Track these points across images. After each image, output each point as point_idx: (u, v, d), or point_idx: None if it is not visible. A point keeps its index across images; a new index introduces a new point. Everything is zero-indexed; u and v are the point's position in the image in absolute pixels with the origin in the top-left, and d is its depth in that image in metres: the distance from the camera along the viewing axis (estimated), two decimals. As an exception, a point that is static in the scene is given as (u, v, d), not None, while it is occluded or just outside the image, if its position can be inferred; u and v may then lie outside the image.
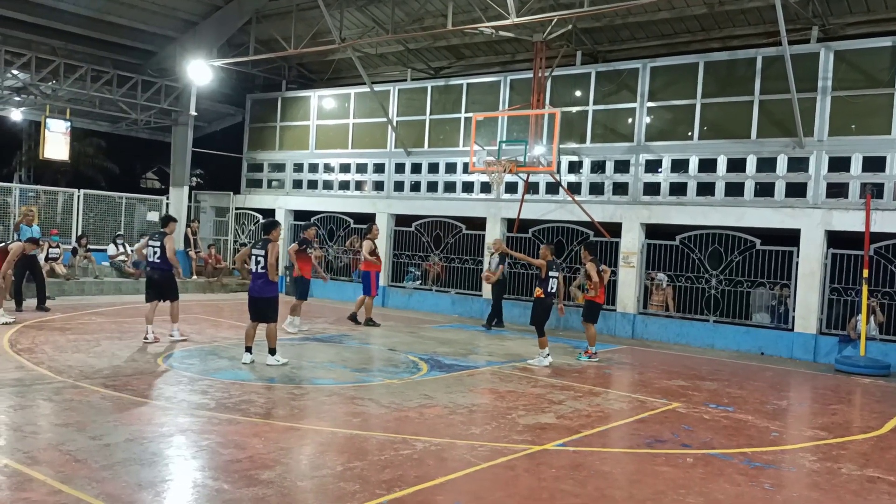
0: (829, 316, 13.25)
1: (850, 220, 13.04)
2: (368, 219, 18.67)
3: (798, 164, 13.71)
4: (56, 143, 18.70)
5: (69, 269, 16.92)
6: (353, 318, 14.51)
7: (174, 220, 11.46)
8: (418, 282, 18.49)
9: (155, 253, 11.04)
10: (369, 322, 14.27)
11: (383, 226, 18.41)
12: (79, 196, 18.86)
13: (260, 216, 21.26)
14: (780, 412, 9.02)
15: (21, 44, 18.01)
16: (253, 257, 9.62)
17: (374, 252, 14.38)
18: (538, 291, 11.08)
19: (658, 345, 14.17)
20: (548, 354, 10.97)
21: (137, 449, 5.87)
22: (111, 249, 18.38)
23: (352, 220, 19.21)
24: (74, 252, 17.37)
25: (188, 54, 18.69)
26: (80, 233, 18.28)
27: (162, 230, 11.23)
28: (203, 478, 5.38)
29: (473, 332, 14.48)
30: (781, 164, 13.84)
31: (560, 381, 9.87)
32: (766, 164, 14.00)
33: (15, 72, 18.08)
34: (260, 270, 9.52)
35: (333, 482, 5.37)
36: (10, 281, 14.28)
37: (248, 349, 9.67)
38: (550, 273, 11.02)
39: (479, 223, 17.19)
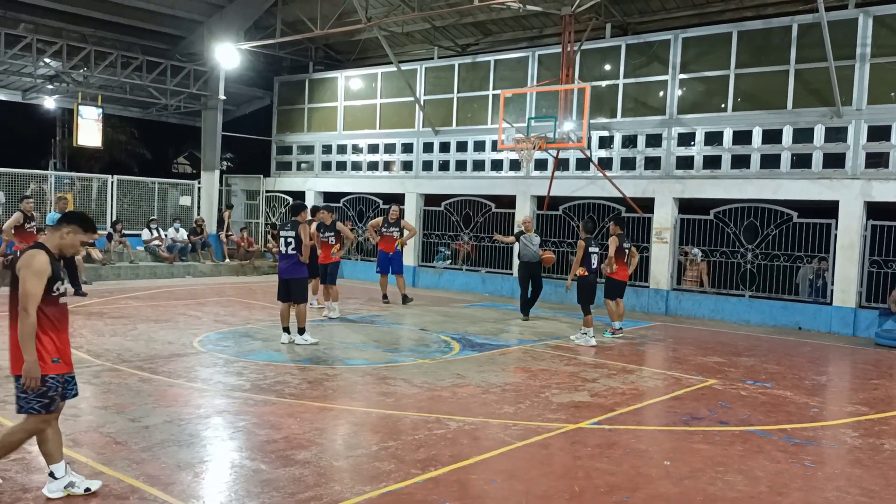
0: (869, 289, 12.96)
1: (890, 190, 12.69)
2: (398, 199, 18.68)
3: (836, 134, 13.35)
4: (89, 130, 18.97)
5: (105, 254, 17.19)
6: (404, 300, 14.40)
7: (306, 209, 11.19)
8: (448, 261, 18.47)
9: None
10: (384, 298, 14.56)
11: (412, 206, 18.42)
12: (112, 182, 19.13)
13: (290, 198, 21.36)
14: (820, 388, 8.86)
15: (52, 32, 18.23)
16: (282, 239, 9.72)
17: (377, 229, 14.59)
18: (581, 270, 11.00)
19: (692, 321, 14.00)
20: (594, 335, 10.95)
21: (175, 430, 5.95)
22: (145, 234, 18.63)
23: (381, 201, 19.21)
24: (109, 237, 17.64)
25: (216, 38, 18.76)
26: (114, 218, 18.55)
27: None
28: (241, 458, 5.43)
29: (504, 310, 14.44)
30: (819, 134, 13.50)
31: (593, 358, 9.81)
32: (803, 135, 13.66)
33: (47, 60, 18.32)
34: (290, 251, 9.60)
35: (369, 462, 5.40)
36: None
37: (286, 329, 9.85)
38: (590, 249, 10.97)
39: (508, 201, 17.07)
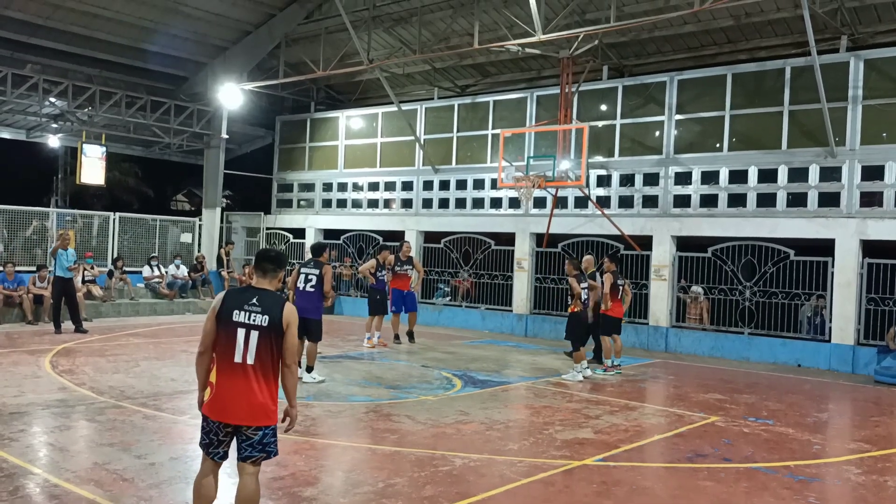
0: (867, 326, 13.04)
1: (885, 228, 12.86)
2: (398, 236, 18.80)
3: (831, 174, 13.57)
4: (92, 168, 19.12)
5: (105, 290, 17.23)
6: (410, 337, 14.24)
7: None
8: (448, 298, 18.54)
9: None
10: (396, 338, 14.23)
11: (412, 243, 18.48)
12: (114, 219, 19.24)
13: (290, 235, 21.50)
14: (821, 425, 8.90)
15: (58, 72, 18.51)
16: (302, 275, 9.74)
17: (390, 267, 14.03)
18: (573, 306, 11.06)
19: (692, 358, 14.04)
20: (586, 367, 10.95)
21: (182, 468, 5.96)
22: (146, 271, 18.68)
23: (381, 238, 19.33)
24: (110, 274, 17.69)
25: (219, 79, 19.07)
26: (115, 255, 18.62)
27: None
28: (247, 495, 5.43)
29: (505, 347, 14.47)
30: (813, 173, 13.72)
31: (595, 395, 9.83)
32: (798, 175, 13.88)
33: (53, 99, 18.58)
34: (308, 289, 9.63)
35: (376, 499, 5.41)
36: (49, 304, 14.64)
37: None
38: (581, 285, 11.03)
39: (508, 238, 17.22)
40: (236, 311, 4.30)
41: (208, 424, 4.36)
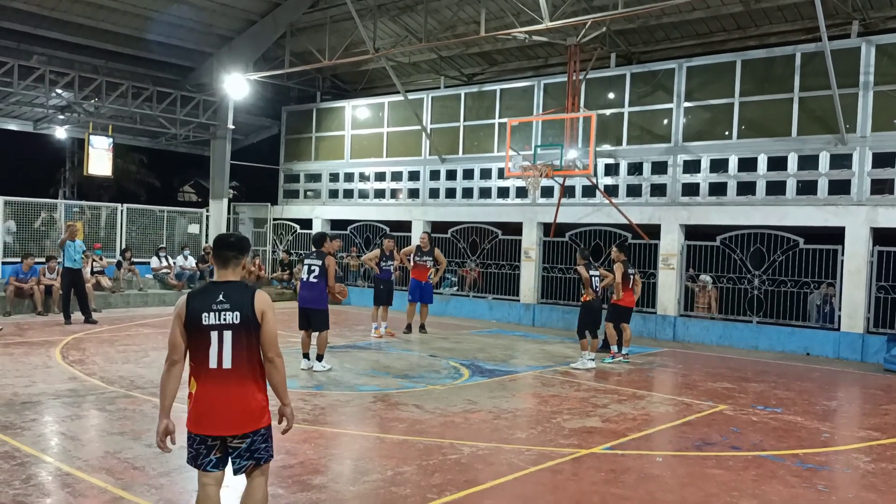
0: (877, 314, 12.97)
1: (896, 216, 12.79)
2: (405, 226, 18.81)
3: (841, 161, 13.47)
4: (99, 160, 19.16)
5: (114, 281, 17.30)
6: (421, 328, 14.30)
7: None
8: (455, 288, 18.54)
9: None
10: (408, 328, 14.27)
11: (419, 233, 18.45)
12: (122, 210, 19.30)
13: (297, 226, 21.54)
14: (830, 413, 8.87)
15: (64, 63, 18.54)
16: (306, 266, 9.77)
17: (409, 256, 14.33)
18: (586, 295, 11.06)
19: (700, 347, 14.01)
20: (592, 358, 10.94)
21: (192, 456, 5.98)
22: (154, 262, 18.76)
23: (388, 228, 19.33)
24: (119, 265, 17.76)
25: (225, 69, 19.05)
26: (123, 246, 18.69)
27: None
28: (257, 483, 5.46)
29: (512, 336, 14.47)
30: (824, 161, 13.62)
31: (603, 384, 9.83)
32: (808, 162, 13.78)
33: (59, 91, 18.62)
34: (312, 279, 9.65)
35: (385, 486, 5.43)
36: (59, 295, 14.71)
37: (306, 356, 9.89)
38: (591, 273, 11.04)
39: (515, 228, 17.19)
40: (205, 315, 3.83)
41: (190, 436, 3.92)
